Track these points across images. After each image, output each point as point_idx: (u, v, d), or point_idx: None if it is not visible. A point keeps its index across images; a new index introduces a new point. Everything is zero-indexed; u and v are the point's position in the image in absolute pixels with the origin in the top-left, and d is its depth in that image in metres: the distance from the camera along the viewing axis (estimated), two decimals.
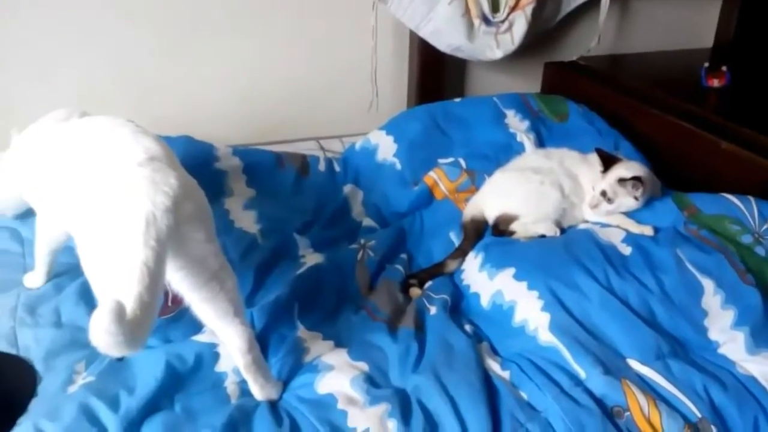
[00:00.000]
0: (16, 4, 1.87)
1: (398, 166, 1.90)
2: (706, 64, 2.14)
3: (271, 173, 1.87)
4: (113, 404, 1.16)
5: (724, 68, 2.10)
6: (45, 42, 1.93)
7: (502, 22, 2.13)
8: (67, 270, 1.50)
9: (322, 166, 1.95)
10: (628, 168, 1.65)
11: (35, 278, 1.50)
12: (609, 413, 1.20)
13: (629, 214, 1.64)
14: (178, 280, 1.15)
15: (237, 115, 2.17)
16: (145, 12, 1.99)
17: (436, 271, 1.61)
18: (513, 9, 2.13)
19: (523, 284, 1.44)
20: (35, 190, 1.41)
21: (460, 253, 1.63)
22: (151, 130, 1.81)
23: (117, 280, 1.02)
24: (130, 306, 0.95)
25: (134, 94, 2.07)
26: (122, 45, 2.01)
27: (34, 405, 1.20)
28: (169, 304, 1.39)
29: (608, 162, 1.67)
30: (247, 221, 1.71)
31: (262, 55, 2.15)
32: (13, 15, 1.88)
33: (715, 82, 2.10)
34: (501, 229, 1.64)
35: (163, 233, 1.04)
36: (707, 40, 2.70)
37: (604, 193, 1.62)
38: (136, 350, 0.96)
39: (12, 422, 1.16)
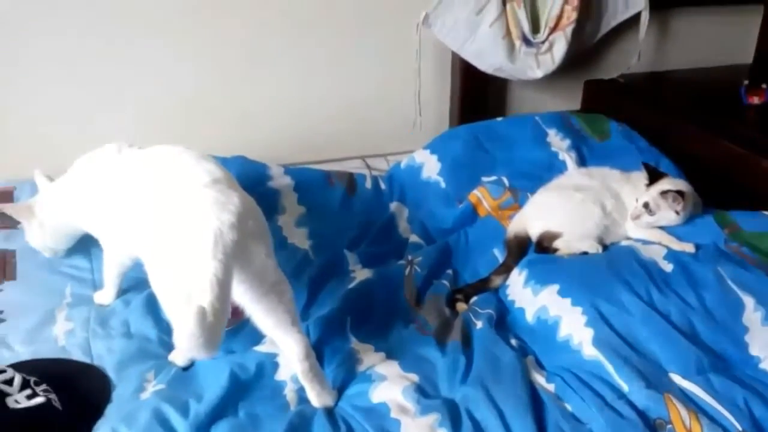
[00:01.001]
0: (75, 36, 1.98)
1: (443, 184, 1.97)
2: (746, 82, 2.16)
3: (321, 191, 1.95)
4: (183, 410, 1.25)
5: (764, 86, 2.12)
6: (105, 71, 2.04)
7: (543, 42, 2.19)
8: (133, 285, 1.60)
9: (368, 184, 2.03)
10: (672, 183, 1.71)
11: (105, 296, 1.60)
12: (651, 426, 1.24)
13: (671, 231, 1.68)
14: (240, 292, 1.24)
15: (287, 135, 2.26)
16: (198, 42, 2.10)
17: (481, 286, 1.67)
18: (553, 30, 2.19)
19: (567, 300, 1.49)
20: (99, 220, 1.51)
21: (505, 269, 1.69)
22: (206, 151, 1.93)
23: (187, 293, 1.12)
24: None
25: (189, 118, 2.17)
26: (177, 72, 2.11)
27: (110, 410, 1.29)
28: (229, 317, 1.48)
29: (654, 176, 1.72)
30: (300, 237, 1.80)
31: (310, 78, 2.24)
32: (74, 46, 1.99)
33: (756, 100, 2.12)
34: (544, 246, 1.70)
35: (230, 248, 1.13)
36: (748, 55, 2.71)
37: (646, 205, 1.67)
38: (212, 354, 1.06)
39: (91, 426, 1.25)
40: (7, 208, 1.71)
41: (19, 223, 1.72)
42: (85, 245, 1.74)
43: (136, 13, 2.01)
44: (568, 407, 1.30)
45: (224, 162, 1.84)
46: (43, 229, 1.66)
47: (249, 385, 1.34)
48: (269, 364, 1.39)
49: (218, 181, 1.27)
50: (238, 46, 2.15)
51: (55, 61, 2.00)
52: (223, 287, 1.10)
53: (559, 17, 2.17)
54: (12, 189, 1.92)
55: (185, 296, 1.13)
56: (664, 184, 1.68)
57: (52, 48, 1.98)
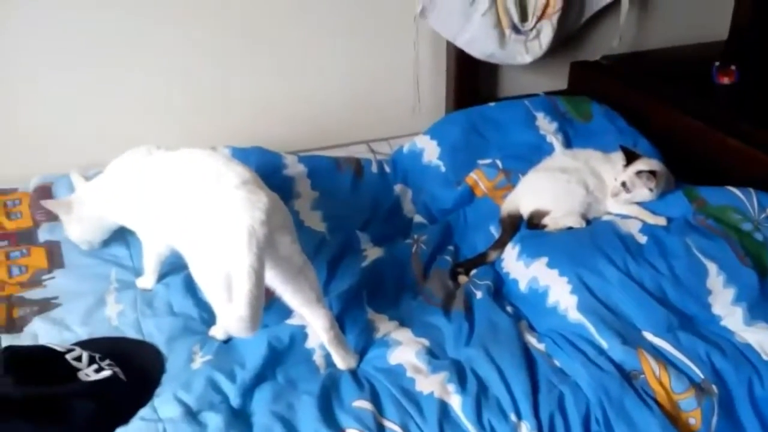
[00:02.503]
0: (94, 32, 2.12)
1: (442, 168, 2.14)
2: (717, 63, 2.33)
3: (332, 176, 2.13)
4: (231, 377, 1.46)
5: (733, 67, 2.30)
6: (123, 67, 2.18)
7: (531, 30, 2.35)
8: (171, 269, 1.77)
9: (374, 168, 2.21)
10: (646, 163, 1.89)
11: (147, 281, 1.76)
12: (627, 376, 1.46)
13: (646, 206, 1.88)
14: (272, 276, 1.42)
15: (296, 123, 2.42)
16: (209, 35, 2.23)
17: (479, 260, 1.87)
18: (540, 18, 2.35)
19: (555, 271, 1.69)
20: (137, 216, 1.68)
21: (500, 244, 1.88)
22: (220, 142, 2.11)
23: (227, 283, 1.31)
24: (246, 301, 1.25)
25: (201, 111, 2.32)
26: (189, 66, 2.25)
27: (166, 379, 1.49)
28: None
29: (631, 157, 1.90)
30: (315, 220, 1.99)
31: (316, 69, 2.39)
32: (93, 43, 2.14)
33: (726, 80, 2.30)
34: (534, 222, 1.89)
35: (262, 241, 1.32)
36: (724, 30, 2.87)
37: (623, 184, 1.86)
38: (255, 333, 1.27)
39: (152, 393, 1.46)
40: (49, 204, 1.86)
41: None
42: (122, 235, 1.89)
43: (147, 6, 2.13)
44: (557, 363, 1.51)
45: (243, 153, 2.05)
46: (81, 223, 1.81)
47: (284, 354, 1.54)
48: (299, 334, 1.58)
49: (247, 182, 1.43)
50: (248, 41, 2.28)
51: (77, 59, 2.13)
52: (259, 276, 1.29)
53: (546, 6, 2.33)
54: (50, 185, 2.07)
55: (226, 286, 1.34)
56: (639, 164, 1.87)
57: (74, 47, 2.11)
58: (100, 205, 1.77)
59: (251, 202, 1.37)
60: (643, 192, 1.85)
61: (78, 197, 1.82)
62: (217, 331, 1.61)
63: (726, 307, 1.62)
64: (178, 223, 1.49)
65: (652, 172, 1.83)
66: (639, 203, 1.88)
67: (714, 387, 1.45)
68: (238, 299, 1.26)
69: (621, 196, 1.87)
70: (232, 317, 1.24)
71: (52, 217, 1.93)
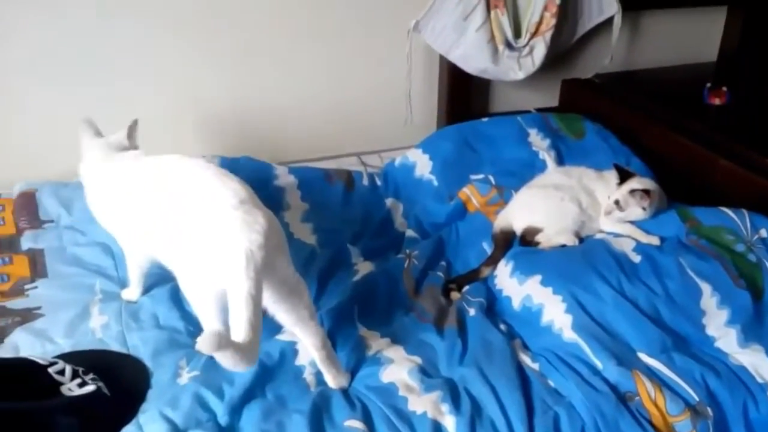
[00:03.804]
0: (97, 49, 2.12)
1: (435, 182, 2.14)
2: (708, 85, 2.35)
3: (322, 188, 2.11)
4: (219, 393, 1.42)
5: (724, 89, 2.32)
6: (112, 73, 2.15)
7: (524, 47, 2.35)
8: (157, 280, 1.73)
9: (365, 181, 2.19)
10: (640, 182, 1.89)
11: (132, 293, 1.71)
12: (622, 398, 1.44)
13: (639, 225, 1.87)
14: (266, 297, 1.36)
15: (287, 133, 2.41)
16: (200, 44, 2.21)
17: (472, 276, 1.85)
18: (533, 35, 2.35)
19: (549, 289, 1.67)
20: (119, 222, 1.63)
21: (492, 260, 1.86)
22: (208, 150, 2.08)
23: (217, 302, 1.28)
24: (244, 330, 1.19)
25: (191, 118, 2.30)
26: (180, 74, 2.23)
27: (152, 395, 1.45)
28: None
29: (624, 175, 1.90)
30: (305, 232, 1.96)
31: (309, 80, 2.38)
32: (94, 58, 2.12)
33: (717, 101, 2.32)
34: (527, 239, 1.88)
35: (259, 265, 1.26)
36: (713, 53, 2.90)
37: (617, 202, 1.86)
38: (253, 365, 1.23)
39: (137, 409, 1.42)
40: None
41: (44, 222, 1.86)
42: (107, 245, 1.85)
43: (136, 15, 2.11)
44: (551, 383, 1.49)
45: (232, 162, 2.02)
46: None
47: (273, 370, 1.51)
48: (290, 351, 1.55)
49: (244, 202, 1.37)
50: (240, 53, 2.27)
51: (67, 62, 2.10)
52: (257, 302, 1.24)
53: (539, 23, 2.33)
54: (34, 191, 2.03)
55: (219, 306, 1.29)
56: (633, 183, 1.87)
57: (66, 50, 2.08)
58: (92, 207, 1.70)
59: (249, 225, 1.32)
60: (637, 211, 1.85)
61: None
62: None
63: (720, 329, 1.61)
64: (168, 238, 1.44)
65: (646, 191, 1.83)
66: (632, 222, 1.88)
67: (709, 409, 1.44)
68: (237, 328, 1.20)
69: (614, 215, 1.86)
70: (229, 359, 1.16)
71: (36, 225, 1.90)
